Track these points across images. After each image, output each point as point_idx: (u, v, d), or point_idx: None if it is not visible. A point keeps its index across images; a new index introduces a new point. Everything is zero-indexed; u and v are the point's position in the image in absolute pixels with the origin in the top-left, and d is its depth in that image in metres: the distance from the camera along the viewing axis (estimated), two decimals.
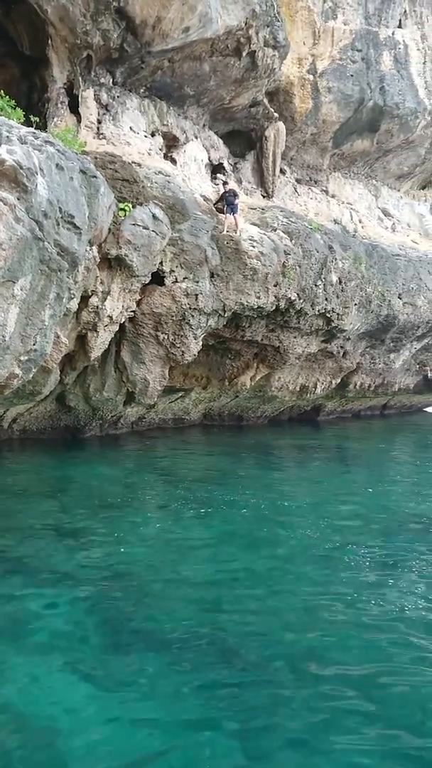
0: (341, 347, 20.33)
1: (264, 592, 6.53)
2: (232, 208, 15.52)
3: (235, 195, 15.70)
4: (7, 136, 9.17)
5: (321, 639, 5.53)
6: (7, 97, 11.02)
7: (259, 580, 6.86)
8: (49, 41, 12.95)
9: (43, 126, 12.67)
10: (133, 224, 13.00)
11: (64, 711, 4.43)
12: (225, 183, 16.40)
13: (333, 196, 21.77)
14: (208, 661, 5.10)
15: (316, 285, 17.28)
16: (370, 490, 11.56)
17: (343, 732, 4.19)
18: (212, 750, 4.01)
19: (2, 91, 11.08)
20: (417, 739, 4.18)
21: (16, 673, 4.85)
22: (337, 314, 18.24)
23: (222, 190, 16.12)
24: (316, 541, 8.13)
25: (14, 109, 10.88)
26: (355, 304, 18.90)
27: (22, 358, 10.24)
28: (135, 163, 14.03)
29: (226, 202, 15.60)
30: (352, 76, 19.35)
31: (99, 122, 14.53)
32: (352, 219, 21.75)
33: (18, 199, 8.88)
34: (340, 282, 18.24)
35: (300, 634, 5.62)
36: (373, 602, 6.23)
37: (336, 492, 11.43)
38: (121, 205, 12.94)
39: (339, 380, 21.80)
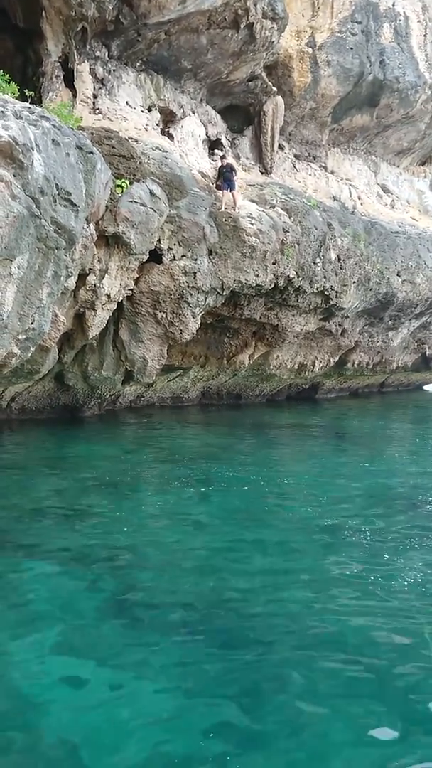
0: (340, 325, 20.29)
1: (266, 568, 6.58)
2: (230, 184, 15.37)
3: (233, 170, 15.53)
4: (2, 111, 9.04)
5: (325, 617, 5.58)
6: (1, 71, 10.83)
7: (261, 556, 6.91)
8: (43, 13, 12.71)
9: (38, 101, 12.49)
10: (131, 201, 12.88)
11: (65, 688, 4.47)
12: (222, 157, 16.21)
13: (332, 173, 21.55)
14: (210, 639, 5.15)
15: (314, 263, 17.19)
16: (369, 465, 11.62)
17: (347, 716, 4.24)
18: (213, 730, 4.06)
19: None
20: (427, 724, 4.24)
21: (15, 652, 4.89)
22: (336, 292, 18.18)
23: (219, 165, 15.94)
24: (317, 517, 8.18)
25: (9, 83, 10.72)
26: (354, 282, 18.83)
27: (20, 337, 10.20)
28: (132, 138, 13.85)
29: (224, 177, 15.44)
30: (351, 49, 19.04)
31: (95, 97, 14.31)
32: (351, 195, 21.55)
33: (14, 175, 8.78)
34: (339, 259, 18.14)
35: (304, 611, 5.67)
36: (377, 578, 6.28)
37: (335, 468, 11.48)
38: (118, 182, 12.81)
39: (337, 358, 21.80)
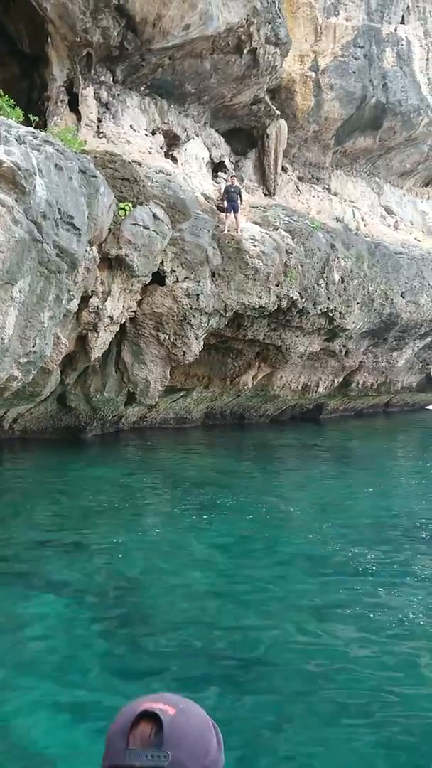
0: (343, 346, 20.22)
1: (267, 601, 6.44)
2: (234, 206, 15.41)
3: (239, 193, 15.59)
4: (6, 136, 9.08)
5: (326, 652, 5.44)
6: (7, 96, 10.91)
7: (262, 588, 6.78)
8: (49, 39, 12.83)
9: (42, 125, 12.58)
10: (134, 224, 12.90)
11: (62, 722, 4.35)
12: (232, 177, 16.27)
13: (335, 194, 21.62)
14: (210, 675, 5.02)
15: (318, 284, 17.17)
16: (374, 491, 11.47)
17: (341, 754, 4.11)
18: None
19: (1, 90, 10.98)
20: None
21: (13, 686, 4.77)
22: (340, 313, 18.14)
23: (227, 184, 15.99)
24: (320, 547, 8.04)
25: (13, 108, 10.79)
26: (358, 303, 18.79)
27: (21, 360, 10.16)
28: (135, 162, 13.92)
29: (229, 198, 15.48)
30: (354, 73, 19.19)
31: (99, 121, 14.41)
32: (354, 217, 21.59)
33: (16, 200, 8.80)
34: (343, 281, 18.12)
35: (304, 647, 5.53)
36: (380, 612, 6.14)
37: (340, 494, 11.34)
38: (122, 205, 12.84)
39: (341, 379, 21.70)
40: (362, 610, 6.19)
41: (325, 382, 21.13)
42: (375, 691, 4.83)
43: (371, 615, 6.08)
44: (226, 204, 15.59)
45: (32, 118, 11.38)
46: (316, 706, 4.64)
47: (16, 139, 9.20)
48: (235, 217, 15.42)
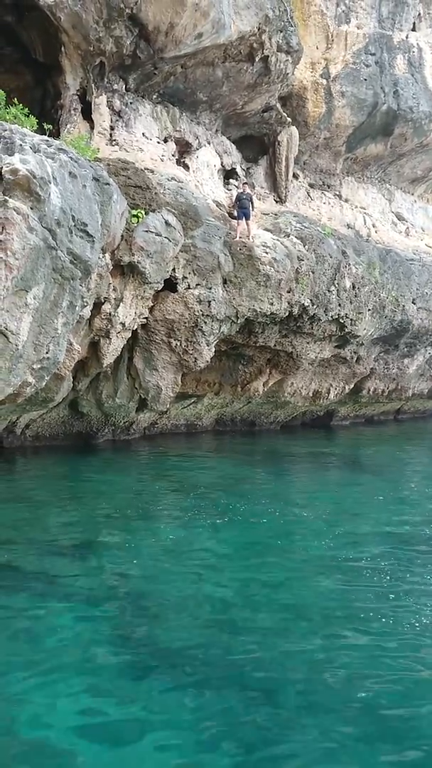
0: (355, 353, 20.19)
1: (279, 608, 6.43)
2: (245, 213, 15.46)
3: (251, 200, 15.64)
4: (21, 145, 9.16)
5: (338, 661, 5.42)
6: (21, 104, 11.02)
7: (274, 595, 6.76)
8: (62, 48, 12.95)
9: (56, 133, 12.69)
10: (146, 231, 12.96)
11: (73, 731, 4.35)
12: (245, 184, 16.33)
13: (346, 201, 21.64)
14: (221, 682, 5.01)
15: (329, 291, 17.17)
16: (385, 498, 11.42)
17: (351, 762, 4.08)
18: None
19: (15, 99, 11.09)
20: None
21: (25, 692, 4.78)
22: (351, 320, 18.12)
23: (239, 191, 16.05)
24: (332, 554, 8.02)
25: (27, 116, 10.89)
26: (369, 310, 18.77)
27: (35, 366, 10.22)
28: (148, 169, 14.01)
29: (240, 205, 15.53)
30: (365, 80, 19.23)
31: (112, 129, 14.51)
32: (365, 223, 21.60)
33: (31, 208, 8.87)
34: (354, 287, 18.12)
35: (317, 655, 5.51)
36: (393, 620, 6.11)
37: (352, 501, 11.30)
38: (134, 212, 12.91)
39: (352, 386, 21.65)
40: (375, 616, 6.17)
41: (336, 389, 21.08)
42: (388, 700, 4.80)
43: (384, 621, 6.05)
44: (237, 211, 15.64)
45: (46, 126, 11.49)
46: (328, 712, 4.62)
47: (30, 148, 9.28)
48: (247, 224, 15.47)
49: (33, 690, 4.81)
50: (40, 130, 11.02)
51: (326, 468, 14.90)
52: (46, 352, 10.29)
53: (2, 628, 5.78)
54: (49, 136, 10.75)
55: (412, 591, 6.89)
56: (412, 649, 5.58)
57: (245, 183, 16.60)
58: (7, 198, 8.59)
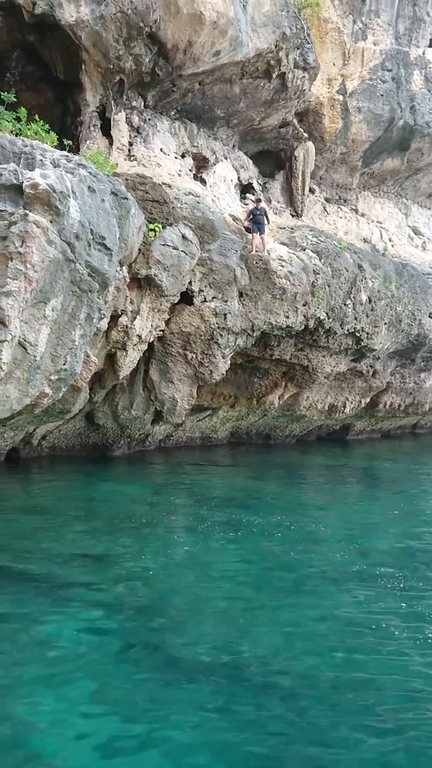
0: (371, 366, 20.13)
1: (294, 620, 6.41)
2: (260, 228, 15.56)
3: (265, 215, 15.74)
4: (41, 160, 9.35)
5: (352, 673, 5.39)
6: (42, 121, 11.24)
7: (289, 607, 6.74)
8: (83, 66, 13.21)
9: (76, 149, 12.91)
10: (163, 244, 13.10)
11: (89, 739, 4.37)
12: (258, 200, 16.43)
13: (362, 215, 21.69)
14: (236, 693, 5.00)
15: (345, 304, 17.18)
16: (401, 513, 11.34)
17: None
18: None
19: (37, 116, 11.32)
20: None
21: (37, 701, 4.81)
22: (367, 333, 18.10)
23: (252, 207, 16.16)
24: (348, 567, 7.98)
25: (48, 132, 11.10)
26: (385, 324, 18.74)
27: (52, 377, 10.34)
28: (165, 184, 14.18)
29: (255, 220, 15.63)
30: (382, 95, 19.35)
31: (130, 144, 14.73)
32: (381, 238, 21.62)
33: (51, 222, 9.02)
34: (370, 301, 18.11)
35: (331, 666, 5.49)
36: (409, 634, 6.06)
37: (367, 515, 11.24)
38: (151, 226, 13.06)
39: (368, 400, 21.55)
40: (390, 629, 6.12)
41: (352, 403, 21.01)
42: (403, 709, 4.76)
43: (398, 634, 6.01)
44: (252, 225, 15.73)
45: (66, 142, 11.70)
46: (344, 722, 4.60)
47: (51, 163, 9.47)
48: (262, 238, 15.56)
49: (46, 699, 4.84)
50: (61, 146, 11.23)
51: (342, 482, 14.83)
52: (64, 364, 10.41)
53: (17, 636, 5.82)
54: (69, 151, 10.95)
55: (429, 604, 6.83)
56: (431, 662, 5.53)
57: (258, 199, 16.70)
58: (27, 212, 8.76)
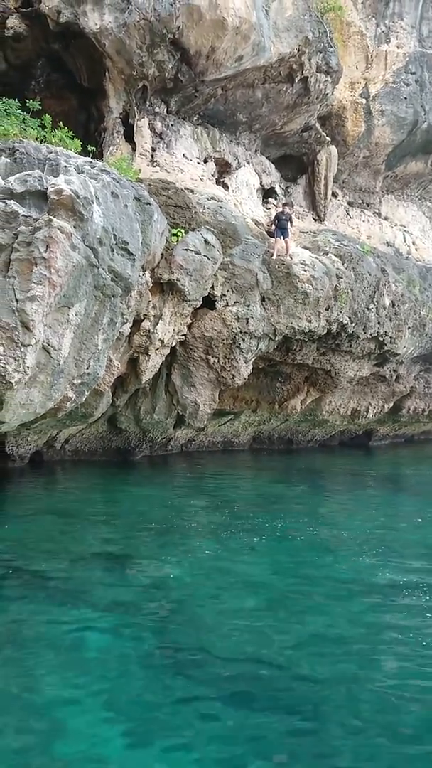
0: (394, 371, 19.96)
1: (316, 627, 6.36)
2: (284, 233, 15.53)
3: (290, 220, 15.70)
4: (65, 166, 9.45)
5: (373, 682, 5.33)
6: (66, 128, 11.37)
7: (311, 614, 6.69)
8: (106, 73, 13.34)
9: (99, 155, 13.02)
10: (186, 249, 13.15)
11: (105, 743, 4.37)
12: (285, 205, 16.40)
13: (386, 219, 21.55)
14: (253, 698, 4.97)
15: (368, 308, 17.07)
16: (424, 520, 11.21)
17: None
18: None
19: (61, 123, 11.45)
20: None
21: (58, 701, 4.83)
22: (390, 338, 17.96)
23: (278, 210, 16.14)
24: (371, 575, 7.90)
25: (72, 139, 11.22)
26: (409, 328, 18.57)
27: (75, 381, 10.42)
28: (188, 189, 14.23)
29: (279, 225, 15.60)
30: (405, 98, 19.21)
31: (153, 150, 14.81)
32: (405, 241, 21.45)
33: (74, 227, 9.10)
34: (393, 305, 17.97)
35: (353, 675, 5.43)
36: (429, 645, 5.98)
37: (391, 521, 11.12)
38: (174, 231, 13.11)
39: (392, 404, 21.37)
40: (414, 639, 6.04)
41: (375, 408, 20.85)
42: (428, 719, 4.69)
43: (424, 644, 5.93)
44: (276, 230, 15.70)
45: (90, 148, 11.81)
46: (368, 729, 4.54)
47: (75, 169, 9.56)
48: (285, 242, 15.52)
49: (67, 699, 4.86)
50: (84, 152, 11.34)
51: (365, 487, 14.70)
52: (87, 368, 10.48)
53: (38, 637, 5.86)
54: (92, 158, 11.05)
55: None
56: None
57: (285, 204, 16.66)
58: (51, 217, 8.84)
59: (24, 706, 4.76)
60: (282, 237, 15.53)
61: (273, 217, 16.17)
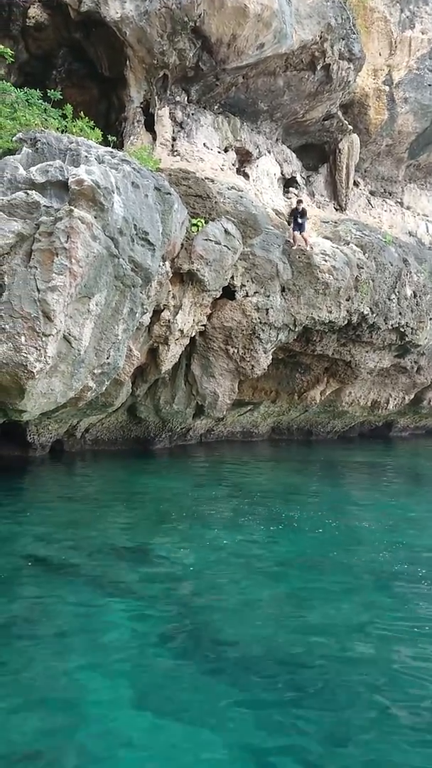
0: (415, 362, 19.79)
1: (334, 618, 6.36)
2: (300, 228, 15.43)
3: (304, 215, 15.55)
4: (86, 156, 9.46)
5: (392, 673, 5.33)
6: (87, 117, 11.38)
7: (329, 605, 6.70)
8: (127, 62, 13.30)
9: (120, 145, 13.02)
10: (206, 239, 13.13)
11: (128, 731, 4.43)
12: (299, 201, 16.27)
13: (408, 208, 21.30)
14: (272, 686, 5.00)
15: (389, 299, 16.92)
16: None
17: None
18: None
19: (82, 113, 11.46)
20: None
21: (81, 690, 4.90)
22: (411, 329, 17.80)
23: (294, 207, 16.03)
24: (389, 566, 7.88)
25: (93, 129, 11.23)
26: (431, 319, 18.38)
27: (96, 371, 10.49)
28: (208, 179, 14.19)
29: (294, 221, 15.53)
30: (429, 86, 18.92)
31: (174, 139, 14.77)
32: (428, 231, 21.20)
33: (95, 217, 9.13)
34: (415, 296, 17.80)
35: (372, 666, 5.43)
36: None
37: (409, 513, 11.07)
38: (194, 221, 13.10)
39: (412, 396, 21.21)
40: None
41: (395, 399, 20.71)
42: None
43: None
44: (293, 226, 15.59)
45: (110, 138, 11.81)
46: (383, 722, 4.55)
47: (95, 159, 9.58)
48: (303, 236, 15.40)
49: (90, 688, 4.92)
50: (105, 142, 11.35)
51: (384, 479, 14.64)
52: (107, 358, 10.54)
53: (59, 625, 5.94)
54: (113, 147, 11.06)
55: None
56: None
57: (299, 201, 16.43)
58: (72, 207, 8.88)
59: (48, 689, 4.83)
60: (299, 231, 15.41)
61: (288, 214, 16.05)
